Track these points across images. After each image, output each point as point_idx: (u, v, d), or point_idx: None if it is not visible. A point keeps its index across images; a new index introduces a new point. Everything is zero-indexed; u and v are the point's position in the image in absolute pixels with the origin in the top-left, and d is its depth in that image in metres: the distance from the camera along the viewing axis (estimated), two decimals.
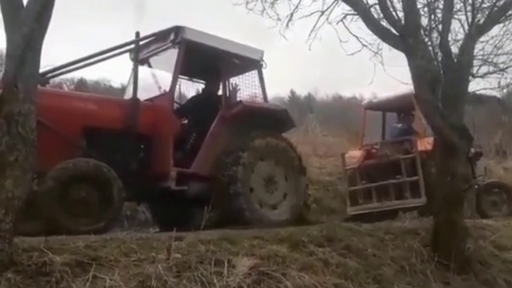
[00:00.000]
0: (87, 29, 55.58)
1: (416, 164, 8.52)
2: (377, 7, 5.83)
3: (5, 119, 3.61)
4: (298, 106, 27.15)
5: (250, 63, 7.56)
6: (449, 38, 5.89)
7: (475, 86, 6.17)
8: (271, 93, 8.11)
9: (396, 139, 9.57)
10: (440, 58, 5.85)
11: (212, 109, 7.17)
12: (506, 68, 6.12)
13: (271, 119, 7.22)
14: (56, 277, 3.61)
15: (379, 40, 6.10)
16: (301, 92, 41.15)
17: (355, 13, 5.92)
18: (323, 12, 6.29)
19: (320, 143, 14.38)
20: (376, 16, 5.89)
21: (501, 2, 5.96)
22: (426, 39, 5.85)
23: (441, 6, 5.88)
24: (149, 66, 7.52)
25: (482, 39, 6.04)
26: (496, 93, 8.28)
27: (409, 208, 8.80)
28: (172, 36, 6.83)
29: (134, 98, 6.50)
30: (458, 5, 5.97)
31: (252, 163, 6.79)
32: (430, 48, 5.85)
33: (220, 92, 7.58)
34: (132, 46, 6.85)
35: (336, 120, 24.53)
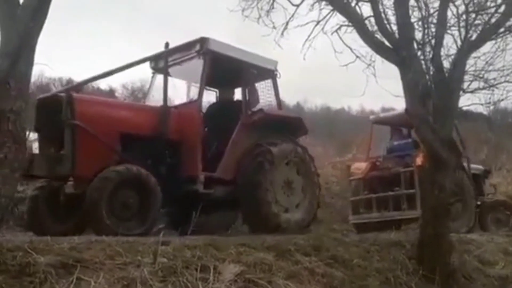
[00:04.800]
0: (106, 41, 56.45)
1: (414, 177, 8.95)
2: (372, 19, 5.90)
3: None
4: None
5: (265, 72, 7.86)
6: (442, 53, 5.95)
7: (465, 101, 6.24)
8: None
9: (398, 153, 9.98)
10: (432, 72, 5.89)
11: (231, 116, 7.43)
12: (497, 84, 6.18)
13: (287, 126, 7.57)
14: (40, 277, 3.57)
15: (372, 52, 6.17)
16: (290, 101, 41.29)
17: (350, 24, 5.96)
18: (318, 22, 6.34)
19: None
20: (370, 28, 5.94)
21: (494, 20, 6.04)
22: (419, 53, 5.89)
23: (435, 21, 5.93)
24: (168, 74, 7.54)
25: (474, 55, 6.12)
26: (482, 110, 8.38)
27: (407, 219, 9.00)
28: (197, 47, 7.06)
29: (165, 106, 6.75)
30: (451, 21, 6.04)
31: (274, 168, 7.04)
32: (423, 62, 5.89)
33: (235, 99, 8.07)
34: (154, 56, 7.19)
35: (324, 131, 24.57)
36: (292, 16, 6.49)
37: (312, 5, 6.36)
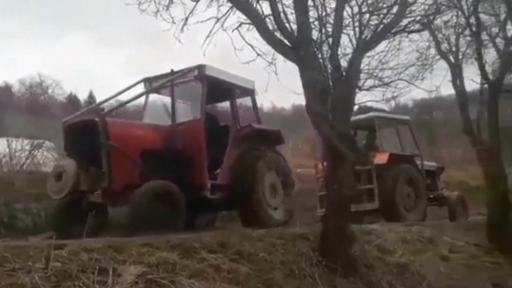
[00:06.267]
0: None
1: (372, 174, 10.56)
2: (272, 18, 5.96)
3: None
4: None
5: (246, 91, 9.12)
6: (339, 52, 6.16)
7: (361, 97, 6.52)
8: None
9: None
10: (329, 71, 6.09)
11: (217, 129, 8.70)
12: (390, 82, 6.52)
13: (269, 138, 8.88)
14: None
15: (273, 51, 6.25)
16: None
17: (250, 22, 6.01)
18: (218, 19, 6.31)
19: None
20: (271, 27, 6.02)
21: (387, 20, 6.34)
22: (317, 52, 6.06)
23: (331, 21, 6.13)
24: (160, 94, 9.04)
25: (368, 54, 6.41)
26: (384, 106, 8.85)
27: (365, 211, 10.67)
28: (196, 72, 8.13)
29: (173, 124, 7.83)
30: (347, 21, 6.27)
31: (263, 174, 8.36)
32: (321, 60, 6.08)
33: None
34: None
35: None
36: (192, 12, 6.41)
37: (211, 1, 6.34)
